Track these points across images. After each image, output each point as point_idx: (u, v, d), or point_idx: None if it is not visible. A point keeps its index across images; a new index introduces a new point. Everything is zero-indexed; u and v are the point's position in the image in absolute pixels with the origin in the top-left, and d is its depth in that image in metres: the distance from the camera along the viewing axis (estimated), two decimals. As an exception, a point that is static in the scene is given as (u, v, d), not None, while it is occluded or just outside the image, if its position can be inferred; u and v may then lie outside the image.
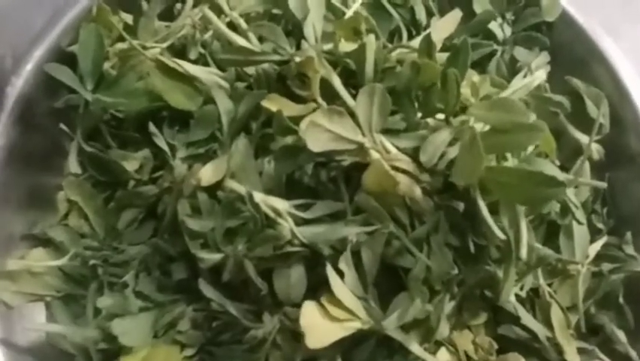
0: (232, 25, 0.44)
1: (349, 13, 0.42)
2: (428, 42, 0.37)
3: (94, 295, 0.44)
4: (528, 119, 0.33)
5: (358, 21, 0.40)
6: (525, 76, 0.44)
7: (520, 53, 0.49)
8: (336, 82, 0.38)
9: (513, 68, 0.48)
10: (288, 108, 0.38)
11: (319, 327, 0.33)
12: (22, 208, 0.46)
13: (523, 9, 0.49)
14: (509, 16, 0.49)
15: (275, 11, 0.47)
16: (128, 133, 0.46)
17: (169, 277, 0.42)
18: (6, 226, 0.45)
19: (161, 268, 0.43)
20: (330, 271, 0.35)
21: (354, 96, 0.37)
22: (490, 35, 0.49)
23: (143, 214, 0.45)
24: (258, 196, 0.37)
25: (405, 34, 0.47)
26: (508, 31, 0.49)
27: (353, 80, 0.40)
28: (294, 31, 0.43)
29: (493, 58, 0.48)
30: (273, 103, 0.39)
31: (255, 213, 0.37)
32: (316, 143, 0.35)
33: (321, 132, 0.35)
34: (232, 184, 0.38)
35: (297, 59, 0.39)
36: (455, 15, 0.43)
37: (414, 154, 0.36)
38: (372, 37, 0.39)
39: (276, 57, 0.40)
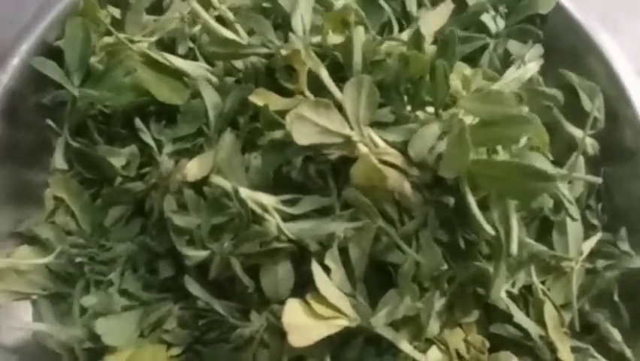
0: (221, 20, 0.43)
1: (338, 5, 0.42)
2: (417, 34, 0.37)
3: (80, 293, 0.43)
4: (518, 112, 0.32)
5: (347, 13, 0.39)
6: (518, 68, 0.43)
7: (513, 46, 0.48)
8: (324, 74, 0.38)
9: (506, 62, 0.47)
10: (275, 102, 0.38)
11: (303, 325, 0.32)
12: (8, 205, 0.45)
13: (517, 1, 0.48)
14: (502, 8, 0.49)
15: (265, 5, 0.46)
16: (115, 129, 0.46)
17: (155, 275, 0.42)
18: (-9, 224, 0.44)
19: (147, 266, 0.43)
20: (315, 267, 0.34)
21: (342, 90, 0.36)
22: (483, 28, 0.48)
23: (131, 211, 0.45)
24: (244, 192, 0.36)
25: (396, 27, 0.46)
26: (501, 23, 0.48)
27: (341, 74, 0.39)
28: (283, 25, 0.43)
29: (486, 51, 0.47)
30: (261, 97, 0.38)
31: (241, 209, 0.36)
32: (302, 136, 0.35)
33: (308, 125, 0.35)
34: (217, 180, 0.37)
35: (284, 52, 0.38)
36: (446, 7, 0.43)
37: (403, 148, 0.36)
38: (360, 29, 0.38)
39: (264, 50, 0.40)
